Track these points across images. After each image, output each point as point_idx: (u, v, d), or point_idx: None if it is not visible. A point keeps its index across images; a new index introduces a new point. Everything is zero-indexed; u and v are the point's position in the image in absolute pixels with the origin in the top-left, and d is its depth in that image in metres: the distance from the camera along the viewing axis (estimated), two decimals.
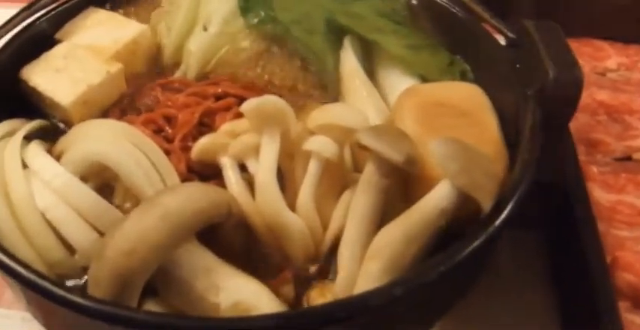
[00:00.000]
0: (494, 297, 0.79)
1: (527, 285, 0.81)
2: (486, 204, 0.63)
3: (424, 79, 0.87)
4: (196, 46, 0.90)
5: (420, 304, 0.64)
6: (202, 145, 0.75)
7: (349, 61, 0.87)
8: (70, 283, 0.71)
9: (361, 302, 0.57)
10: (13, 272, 0.61)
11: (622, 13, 1.08)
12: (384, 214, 0.68)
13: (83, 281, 0.71)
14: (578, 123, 0.89)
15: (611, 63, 1.01)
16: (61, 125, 0.87)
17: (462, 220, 0.65)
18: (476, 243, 0.61)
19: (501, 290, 0.80)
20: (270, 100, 0.70)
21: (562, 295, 0.79)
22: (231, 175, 0.73)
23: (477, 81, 0.85)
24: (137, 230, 0.61)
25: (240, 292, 0.64)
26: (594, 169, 0.84)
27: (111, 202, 0.73)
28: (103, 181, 0.77)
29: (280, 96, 0.72)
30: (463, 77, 0.87)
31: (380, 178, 0.67)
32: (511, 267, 0.82)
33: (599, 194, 0.81)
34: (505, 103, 0.78)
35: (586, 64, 0.99)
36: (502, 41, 0.85)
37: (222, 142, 0.74)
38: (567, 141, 0.81)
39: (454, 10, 0.89)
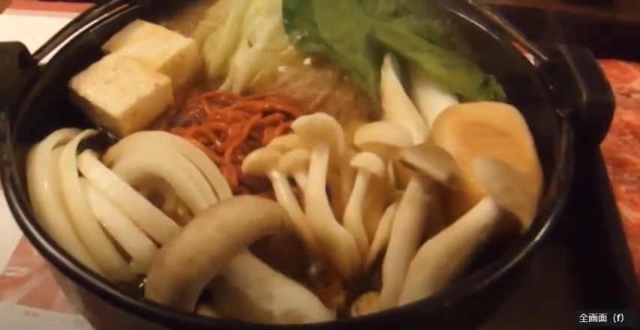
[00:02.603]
0: (525, 307, 0.81)
1: (557, 294, 0.84)
2: (526, 221, 0.66)
3: (460, 98, 0.90)
4: (242, 61, 0.92)
5: (463, 314, 0.68)
6: (254, 158, 0.78)
7: (390, 78, 0.90)
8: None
9: (414, 311, 0.60)
10: (80, 278, 0.63)
11: None
12: (425, 230, 0.71)
13: (138, 288, 0.74)
14: (605, 142, 0.91)
15: (637, 84, 1.04)
16: (109, 135, 0.90)
17: (500, 235, 0.68)
18: (518, 257, 0.64)
19: (532, 300, 0.83)
20: (321, 118, 0.73)
21: (592, 307, 0.81)
22: (281, 188, 0.76)
23: (510, 101, 0.87)
24: (196, 240, 0.64)
25: (293, 300, 0.67)
26: (622, 188, 0.87)
27: (163, 211, 0.76)
28: (153, 190, 0.79)
29: (324, 112, 0.76)
30: (496, 97, 0.90)
31: (423, 194, 0.70)
32: (541, 277, 0.85)
33: (627, 212, 0.84)
34: (537, 124, 0.81)
35: (612, 85, 1.01)
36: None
37: (273, 156, 0.77)
38: (598, 161, 0.84)
39: (489, 32, 0.93)
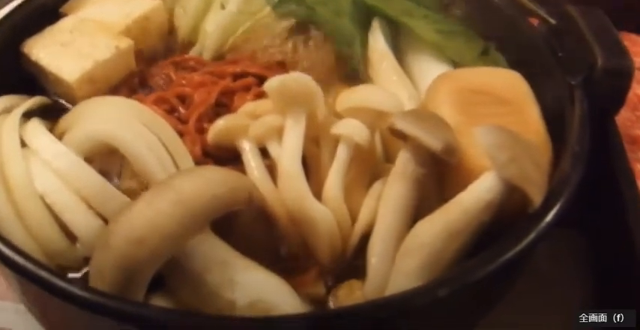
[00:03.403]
0: (532, 297, 0.74)
1: (568, 283, 0.77)
2: (537, 198, 0.59)
3: (456, 66, 0.83)
4: (214, 25, 0.85)
5: (461, 306, 0.59)
6: (220, 126, 0.70)
7: (378, 43, 0.84)
8: (70, 274, 0.66)
9: (404, 302, 0.53)
10: (8, 260, 0.56)
11: None
12: (417, 209, 0.63)
13: (84, 273, 0.66)
14: (617, 118, 0.84)
15: None
16: (64, 103, 0.83)
17: (505, 215, 0.60)
18: (526, 241, 0.56)
19: (541, 289, 0.76)
20: (297, 78, 0.65)
21: (606, 294, 0.75)
22: (251, 159, 0.68)
23: (515, 70, 0.79)
24: (147, 216, 0.55)
25: (259, 288, 0.59)
26: (639, 166, 0.78)
27: (117, 187, 0.68)
28: (109, 163, 0.72)
29: None
30: (496, 65, 0.82)
31: (415, 167, 0.63)
32: (549, 264, 0.77)
33: None
34: (546, 93, 0.73)
35: None
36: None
37: (242, 123, 0.69)
38: (614, 135, 0.76)
39: None
